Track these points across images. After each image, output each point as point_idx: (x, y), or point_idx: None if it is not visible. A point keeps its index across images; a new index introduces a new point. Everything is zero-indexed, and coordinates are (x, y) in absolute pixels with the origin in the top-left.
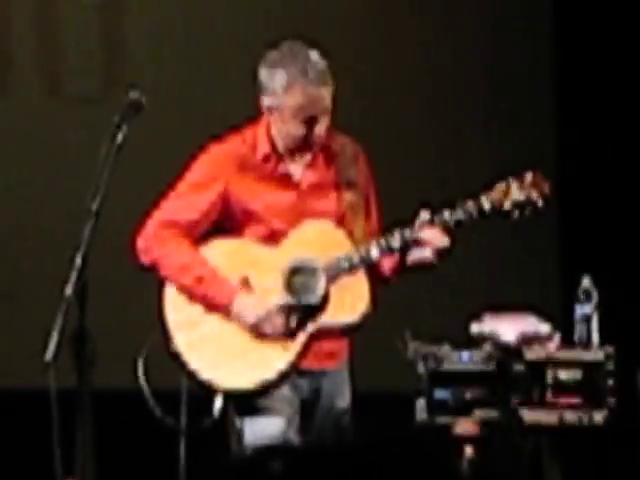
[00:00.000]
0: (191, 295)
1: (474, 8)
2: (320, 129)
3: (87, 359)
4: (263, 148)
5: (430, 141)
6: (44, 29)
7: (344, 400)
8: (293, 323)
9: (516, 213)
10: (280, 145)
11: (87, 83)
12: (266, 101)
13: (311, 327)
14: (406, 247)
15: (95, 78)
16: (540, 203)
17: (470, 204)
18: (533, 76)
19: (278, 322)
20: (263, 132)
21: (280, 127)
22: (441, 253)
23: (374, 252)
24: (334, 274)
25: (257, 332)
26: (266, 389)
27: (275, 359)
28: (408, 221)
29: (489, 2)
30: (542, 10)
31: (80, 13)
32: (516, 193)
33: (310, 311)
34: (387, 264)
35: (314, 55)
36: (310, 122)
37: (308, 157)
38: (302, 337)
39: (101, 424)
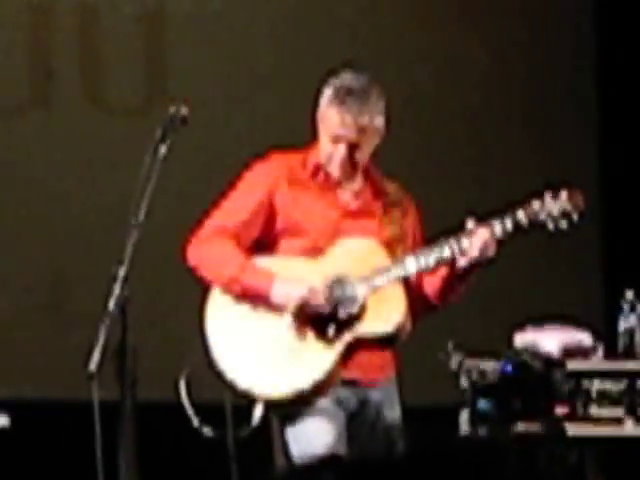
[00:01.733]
0: (232, 286)
1: (516, 15)
2: (340, 153)
3: (129, 372)
4: (313, 161)
5: (474, 152)
6: (86, 41)
7: (394, 413)
8: (331, 332)
9: (551, 225)
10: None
11: (129, 95)
12: (318, 114)
13: (348, 336)
14: (447, 261)
15: (137, 90)
16: (575, 216)
17: (507, 218)
18: (577, 92)
19: (321, 297)
20: (315, 149)
21: (321, 143)
22: (480, 262)
23: (410, 265)
24: (373, 286)
25: (303, 312)
26: (304, 397)
27: (312, 367)
28: (447, 236)
29: (533, 12)
30: (584, 15)
31: (122, 25)
32: (551, 206)
33: (348, 321)
34: (430, 288)
35: (365, 88)
36: (340, 143)
37: (356, 185)
38: (339, 346)
39: (145, 437)
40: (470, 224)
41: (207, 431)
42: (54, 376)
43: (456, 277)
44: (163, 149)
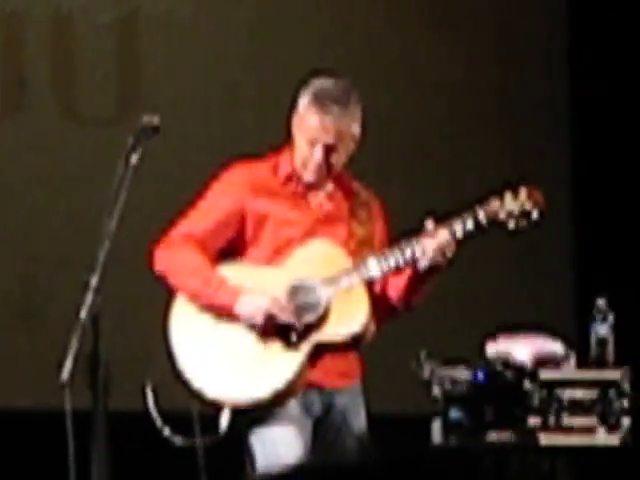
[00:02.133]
0: (199, 300)
1: (488, 15)
2: (316, 157)
3: (101, 381)
4: (285, 169)
5: (444, 153)
6: (59, 50)
7: (359, 420)
8: (294, 339)
9: (511, 223)
10: (298, 167)
11: (101, 103)
12: (293, 119)
13: (311, 342)
14: (408, 263)
15: (109, 99)
16: (535, 214)
17: (466, 216)
18: (549, 92)
19: (287, 307)
20: (287, 155)
21: (296, 146)
22: (440, 263)
23: (373, 267)
24: (334, 292)
25: (270, 323)
26: (267, 406)
27: (275, 376)
28: (411, 234)
29: (505, 13)
30: (557, 13)
31: (95, 34)
32: (510, 204)
33: (311, 327)
34: (394, 291)
35: (345, 91)
36: (317, 145)
37: (327, 189)
38: (303, 353)
39: (117, 446)
40: (429, 225)
41: (178, 440)
42: (26, 385)
43: (417, 278)
44: (135, 158)
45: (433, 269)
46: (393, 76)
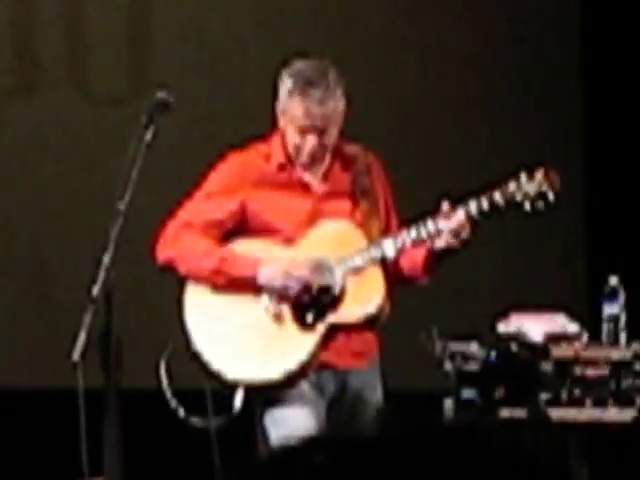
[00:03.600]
0: (216, 278)
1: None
2: (310, 144)
3: (113, 359)
4: (278, 158)
5: (451, 133)
6: (71, 28)
7: (375, 396)
8: (309, 320)
9: (527, 205)
10: (292, 153)
11: (114, 82)
12: (279, 106)
13: (326, 323)
14: (424, 240)
15: (122, 77)
16: (551, 196)
17: (482, 198)
18: (562, 77)
19: (304, 277)
20: (278, 141)
21: (286, 134)
22: (455, 243)
23: (388, 248)
24: (349, 271)
25: (284, 297)
26: (278, 385)
27: (289, 356)
28: (426, 215)
29: None
30: None
31: (107, 12)
32: (527, 186)
33: (326, 307)
34: (408, 264)
35: (323, 74)
36: (308, 133)
37: (323, 166)
38: (317, 333)
39: (130, 424)
40: (445, 206)
41: (194, 421)
42: (39, 364)
43: (433, 258)
44: (148, 135)
45: (448, 249)
46: (404, 56)
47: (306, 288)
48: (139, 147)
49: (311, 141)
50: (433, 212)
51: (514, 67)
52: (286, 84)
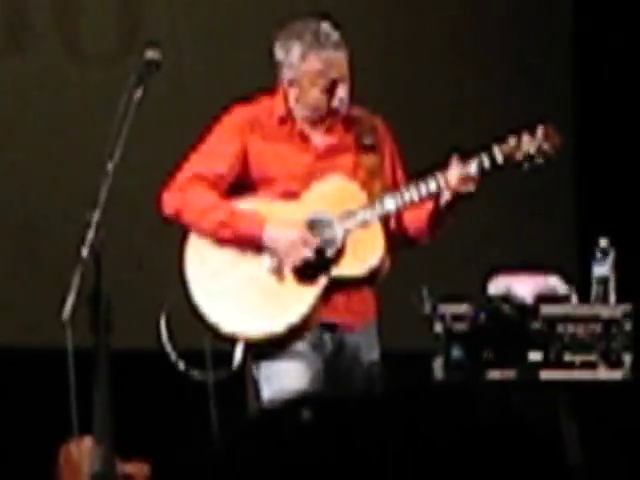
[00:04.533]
0: (222, 232)
1: None
2: (341, 93)
3: (103, 319)
4: (279, 111)
5: (447, 93)
6: None
7: (372, 355)
8: (309, 274)
9: (526, 165)
10: (301, 115)
11: (104, 41)
12: (285, 74)
13: (325, 278)
14: (423, 198)
15: (112, 35)
16: (552, 155)
17: (483, 155)
18: (552, 43)
19: (311, 246)
20: (280, 98)
21: (302, 98)
22: (463, 195)
23: (389, 204)
24: (350, 227)
25: (291, 258)
26: (281, 340)
27: (290, 310)
28: (426, 172)
29: None
30: None
31: None
32: (527, 145)
33: (325, 263)
34: (413, 224)
35: (325, 25)
36: (331, 89)
37: (326, 123)
38: (317, 288)
39: (120, 384)
40: (454, 160)
41: (194, 374)
42: (28, 323)
43: (439, 212)
44: (138, 94)
45: (454, 201)
46: (402, 19)
47: (308, 250)
48: (129, 106)
49: (341, 92)
50: (441, 166)
51: (505, 26)
52: (294, 49)
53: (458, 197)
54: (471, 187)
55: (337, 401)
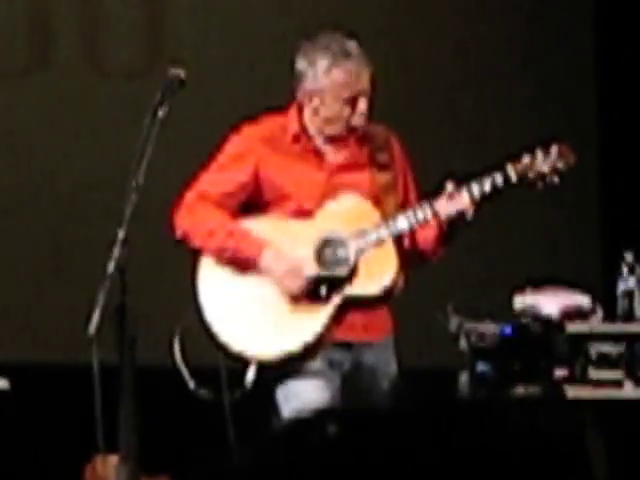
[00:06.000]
0: (222, 254)
1: None
2: (362, 107)
3: (128, 334)
4: (293, 128)
5: (469, 106)
6: (86, 2)
7: (391, 367)
8: (323, 292)
9: (540, 184)
10: (316, 130)
11: (129, 56)
12: (307, 86)
13: (339, 297)
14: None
15: (137, 51)
16: (565, 171)
17: (497, 174)
18: (576, 50)
19: (300, 281)
20: (293, 114)
21: (323, 111)
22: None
23: (402, 223)
24: (364, 246)
25: (282, 287)
26: (295, 359)
27: (303, 329)
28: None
29: None
30: None
31: None
32: (541, 163)
33: (338, 282)
34: (425, 242)
35: (349, 39)
36: (353, 103)
37: (341, 140)
38: (330, 307)
39: (144, 400)
40: (449, 187)
41: (203, 393)
42: (54, 339)
43: (444, 231)
44: (162, 112)
45: (452, 229)
46: (419, 31)
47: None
48: (153, 123)
49: (362, 105)
50: (438, 192)
51: (527, 38)
52: (320, 62)
53: (456, 225)
54: (469, 216)
55: (364, 415)
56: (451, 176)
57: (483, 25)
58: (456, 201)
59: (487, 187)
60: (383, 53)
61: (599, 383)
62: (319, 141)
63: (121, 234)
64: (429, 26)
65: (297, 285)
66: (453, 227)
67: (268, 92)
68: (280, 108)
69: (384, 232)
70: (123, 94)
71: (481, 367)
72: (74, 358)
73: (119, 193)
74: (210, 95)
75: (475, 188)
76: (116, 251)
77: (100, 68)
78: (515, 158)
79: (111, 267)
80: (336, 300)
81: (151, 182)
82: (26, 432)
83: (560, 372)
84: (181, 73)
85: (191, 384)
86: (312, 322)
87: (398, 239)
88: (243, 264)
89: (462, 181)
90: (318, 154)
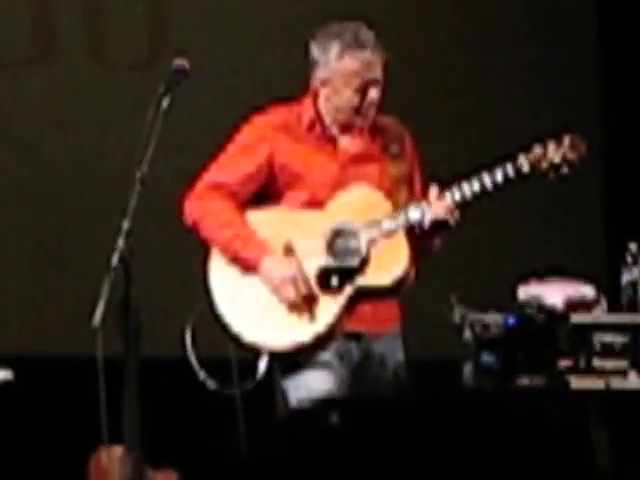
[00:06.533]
0: (227, 252)
1: None
2: (373, 95)
3: (133, 327)
4: (308, 115)
5: (475, 101)
6: None
7: (396, 358)
8: (335, 282)
9: (552, 174)
10: (330, 118)
11: (132, 49)
12: (319, 73)
13: (350, 288)
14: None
15: (140, 44)
16: (576, 163)
17: (508, 165)
18: (578, 45)
19: (299, 290)
20: (309, 102)
21: (334, 98)
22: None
23: (414, 214)
24: (375, 237)
25: (278, 295)
26: (306, 350)
27: (322, 314)
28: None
29: None
30: None
31: None
32: (553, 154)
33: (350, 273)
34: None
35: (364, 28)
36: (364, 90)
37: (354, 130)
38: (342, 298)
39: (149, 392)
40: (433, 191)
41: (211, 384)
42: (58, 331)
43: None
44: (166, 103)
45: (435, 230)
46: (428, 26)
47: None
48: (157, 114)
49: (374, 93)
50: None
51: (532, 32)
52: (332, 48)
53: (439, 227)
54: (452, 217)
55: (366, 404)
56: (438, 180)
57: (484, 24)
58: (438, 205)
59: (500, 178)
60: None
61: (603, 373)
62: (334, 130)
63: (125, 225)
64: (428, 25)
65: (292, 295)
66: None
67: (271, 82)
68: (285, 98)
69: (395, 223)
70: (126, 85)
71: (485, 358)
72: (78, 349)
73: (123, 184)
74: (214, 86)
75: (487, 180)
76: (120, 242)
77: (103, 60)
78: (526, 149)
79: (115, 258)
80: (348, 291)
81: (155, 173)
82: (30, 423)
83: (564, 362)
84: (185, 64)
85: (201, 374)
86: (324, 313)
87: (410, 230)
88: (244, 266)
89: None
90: (332, 143)
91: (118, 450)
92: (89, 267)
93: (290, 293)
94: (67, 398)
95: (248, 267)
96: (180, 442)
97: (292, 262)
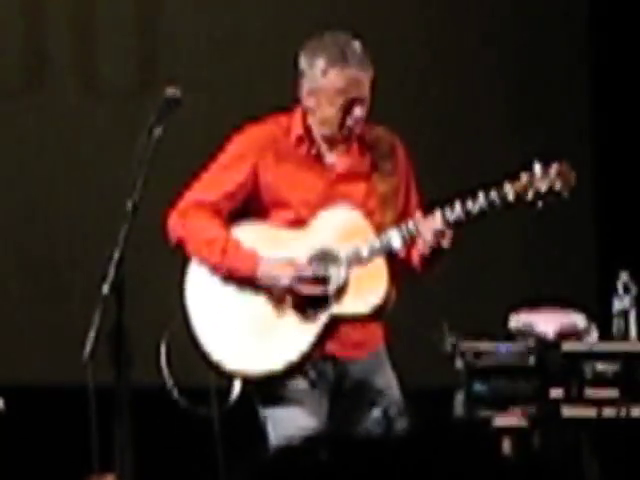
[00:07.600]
0: (217, 269)
1: None
2: (358, 113)
3: (124, 356)
4: (297, 131)
5: (464, 125)
6: (79, 24)
7: (384, 379)
8: (311, 310)
9: (539, 203)
10: (316, 132)
11: (123, 78)
12: (305, 86)
13: (326, 315)
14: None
15: (131, 72)
16: (565, 194)
17: (493, 193)
18: (570, 68)
19: (308, 272)
20: (298, 117)
21: (318, 112)
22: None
23: (395, 240)
24: (355, 262)
25: (293, 293)
26: (278, 377)
27: (288, 347)
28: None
29: None
30: None
31: (115, 8)
32: (539, 183)
33: (326, 299)
34: (416, 259)
35: (354, 42)
36: (348, 108)
37: (343, 146)
38: (317, 326)
39: (140, 420)
40: (417, 215)
41: (184, 402)
42: (49, 360)
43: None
44: (158, 131)
45: (435, 251)
46: (409, 41)
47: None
48: (149, 144)
49: (358, 112)
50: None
51: (520, 44)
52: (318, 63)
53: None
54: (445, 243)
55: (356, 441)
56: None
57: (476, 30)
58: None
59: (484, 205)
60: (380, 52)
61: (595, 403)
62: (322, 147)
63: (116, 255)
64: (427, 27)
65: (304, 292)
66: (435, 251)
67: (264, 109)
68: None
69: (377, 248)
70: (117, 115)
71: (477, 387)
72: (70, 379)
73: (115, 213)
74: (205, 114)
75: (472, 205)
76: (111, 272)
77: (94, 88)
78: (513, 177)
79: (106, 288)
80: (322, 319)
81: (146, 202)
82: (22, 452)
83: (556, 392)
84: (177, 92)
85: (175, 392)
86: (298, 341)
87: (390, 253)
88: (239, 278)
89: (452, 198)
90: (320, 160)
91: (109, 479)
92: (81, 297)
93: (305, 289)
94: (58, 427)
95: (243, 277)
96: (172, 471)
97: (287, 266)
